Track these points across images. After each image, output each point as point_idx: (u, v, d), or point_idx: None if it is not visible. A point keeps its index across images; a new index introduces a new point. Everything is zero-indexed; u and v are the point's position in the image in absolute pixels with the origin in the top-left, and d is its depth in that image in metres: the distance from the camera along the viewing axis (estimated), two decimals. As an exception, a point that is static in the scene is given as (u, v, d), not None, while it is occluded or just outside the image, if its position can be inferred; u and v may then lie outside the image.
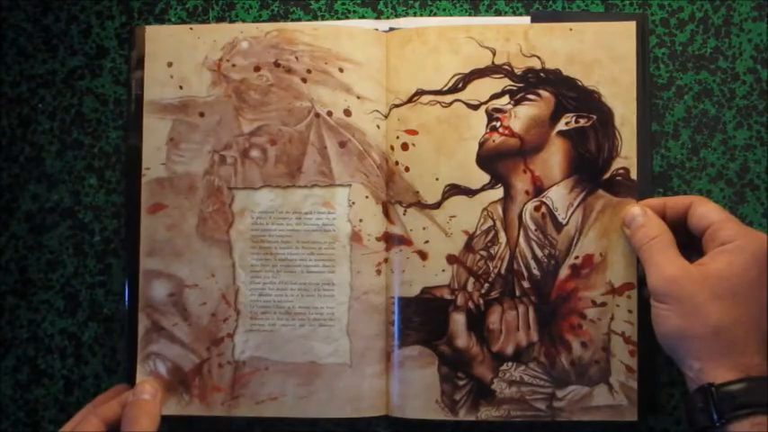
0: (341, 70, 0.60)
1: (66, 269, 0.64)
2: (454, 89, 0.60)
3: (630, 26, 0.59)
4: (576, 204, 0.59)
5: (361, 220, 0.60)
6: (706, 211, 0.55)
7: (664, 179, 0.62)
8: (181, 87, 0.61)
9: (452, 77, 0.60)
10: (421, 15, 0.64)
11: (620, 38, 0.59)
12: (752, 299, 0.52)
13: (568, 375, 0.59)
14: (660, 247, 0.55)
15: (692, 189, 0.62)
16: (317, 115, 0.61)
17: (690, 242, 0.55)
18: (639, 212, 0.57)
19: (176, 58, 0.61)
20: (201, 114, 0.61)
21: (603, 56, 0.59)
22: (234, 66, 0.61)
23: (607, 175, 0.59)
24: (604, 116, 0.59)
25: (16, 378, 0.63)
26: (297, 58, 0.61)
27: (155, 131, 0.61)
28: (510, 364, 0.59)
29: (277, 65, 0.61)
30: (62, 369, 0.63)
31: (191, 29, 0.62)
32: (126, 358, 0.61)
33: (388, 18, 0.64)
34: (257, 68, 0.61)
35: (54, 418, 0.63)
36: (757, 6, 0.62)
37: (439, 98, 0.60)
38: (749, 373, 0.50)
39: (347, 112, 0.60)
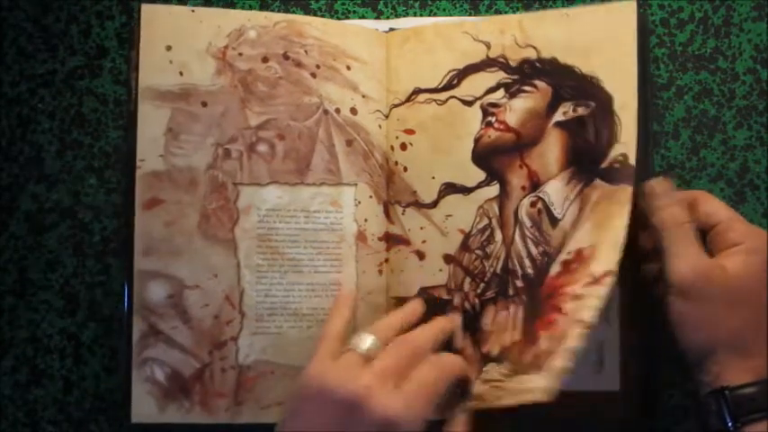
0: (348, 68, 0.60)
1: (66, 269, 0.63)
2: (449, 86, 0.59)
3: (630, 6, 0.57)
4: (572, 197, 0.57)
5: (366, 220, 0.60)
6: (712, 209, 0.54)
7: (664, 179, 0.62)
8: (181, 74, 0.59)
9: (447, 74, 0.59)
10: (421, 15, 0.64)
11: (618, 19, 0.57)
12: (764, 300, 0.51)
13: (532, 369, 0.56)
14: (689, 237, 0.53)
15: (692, 189, 0.61)
16: (326, 112, 0.59)
17: None
18: (669, 188, 0.54)
19: (176, 41, 0.59)
20: (204, 104, 0.59)
21: (602, 39, 0.57)
22: (240, 55, 0.59)
23: (605, 164, 0.56)
24: (603, 103, 0.57)
25: (15, 378, 0.63)
26: (306, 51, 0.59)
27: (151, 120, 0.58)
28: (491, 365, 0.58)
29: (286, 57, 0.59)
30: (61, 369, 0.63)
31: (192, 11, 0.59)
32: (125, 359, 0.61)
33: (388, 18, 0.64)
34: (265, 59, 0.59)
35: (53, 418, 0.63)
36: (757, 6, 0.62)
37: (434, 96, 0.59)
38: (763, 376, 0.50)
39: (353, 111, 0.60)
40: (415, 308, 0.57)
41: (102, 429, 0.63)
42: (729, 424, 0.49)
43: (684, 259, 0.52)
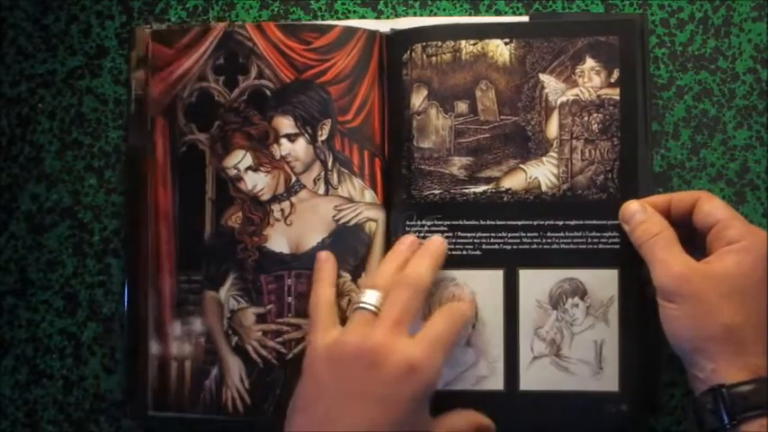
0: None
1: (66, 269, 0.63)
2: None
3: None
4: None
5: None
6: (712, 208, 0.54)
7: (664, 179, 0.62)
8: None
9: None
10: (421, 15, 0.64)
11: None
12: (759, 299, 0.51)
13: None
14: (664, 244, 0.54)
15: (692, 189, 0.61)
16: None
17: (693, 240, 0.55)
18: (639, 208, 0.56)
19: None
20: None
21: None
22: None
23: None
24: None
25: (15, 378, 0.63)
26: None
27: None
28: None
29: None
30: (61, 369, 0.63)
31: None
32: (125, 358, 0.61)
33: (388, 18, 0.64)
34: None
35: (53, 418, 0.63)
36: (757, 6, 0.62)
37: None
38: (759, 374, 0.50)
39: None
40: (405, 244, 0.57)
41: (102, 429, 0.63)
42: (726, 422, 0.49)
43: (664, 265, 0.53)
